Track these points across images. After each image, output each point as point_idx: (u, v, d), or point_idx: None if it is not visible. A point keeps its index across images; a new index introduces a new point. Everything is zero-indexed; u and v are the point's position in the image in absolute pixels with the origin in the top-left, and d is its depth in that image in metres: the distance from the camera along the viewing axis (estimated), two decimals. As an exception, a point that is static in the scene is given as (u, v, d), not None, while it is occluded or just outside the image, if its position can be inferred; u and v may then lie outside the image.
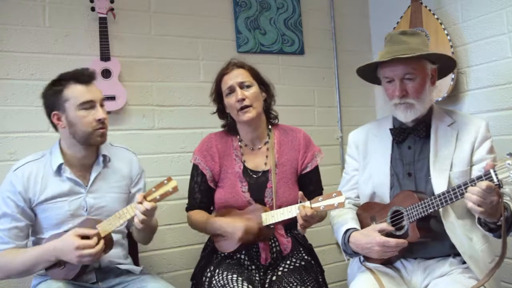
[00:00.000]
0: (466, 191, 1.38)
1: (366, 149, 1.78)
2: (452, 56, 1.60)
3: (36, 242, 1.69)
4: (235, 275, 1.67)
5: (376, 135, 1.78)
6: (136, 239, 1.86)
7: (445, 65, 1.68)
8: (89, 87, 1.66)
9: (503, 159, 1.32)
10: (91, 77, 1.68)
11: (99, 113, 1.65)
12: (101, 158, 1.74)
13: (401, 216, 1.58)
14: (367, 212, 1.71)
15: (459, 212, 1.56)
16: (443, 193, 1.46)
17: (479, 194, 1.32)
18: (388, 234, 1.55)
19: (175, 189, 1.55)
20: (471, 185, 1.36)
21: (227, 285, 1.63)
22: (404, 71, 1.59)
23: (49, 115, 1.69)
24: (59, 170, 1.67)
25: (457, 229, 1.54)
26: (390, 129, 1.71)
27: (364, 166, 1.77)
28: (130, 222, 1.68)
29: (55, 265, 1.59)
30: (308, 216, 1.58)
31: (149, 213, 1.55)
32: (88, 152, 1.71)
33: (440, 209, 1.52)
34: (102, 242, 1.56)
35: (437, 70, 1.67)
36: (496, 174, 1.32)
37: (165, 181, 1.56)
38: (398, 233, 1.57)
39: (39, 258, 1.57)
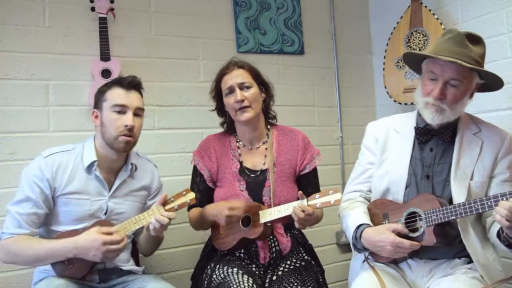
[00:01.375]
0: (496, 204, 1.38)
1: (386, 144, 1.74)
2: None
3: (45, 234, 1.67)
4: (235, 269, 1.68)
5: (398, 132, 1.74)
6: (141, 248, 1.87)
7: (491, 83, 1.61)
8: (128, 92, 1.69)
9: None
10: (131, 84, 1.71)
11: (128, 119, 1.66)
12: (129, 166, 1.76)
13: (415, 218, 1.56)
14: (380, 209, 1.68)
15: (472, 221, 1.57)
16: (469, 202, 1.45)
17: (511, 210, 1.33)
18: (401, 235, 1.54)
19: (192, 201, 1.64)
20: (502, 199, 1.37)
21: (227, 277, 1.63)
22: (453, 76, 1.53)
23: (93, 112, 1.74)
24: (90, 167, 1.68)
25: (472, 237, 1.55)
26: (415, 128, 1.68)
27: (381, 161, 1.73)
28: (136, 231, 1.70)
29: (62, 262, 1.58)
30: (306, 215, 1.59)
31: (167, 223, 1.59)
32: (118, 157, 1.73)
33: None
34: (126, 238, 1.59)
35: (479, 85, 1.61)
36: None
37: (184, 192, 1.64)
38: (412, 234, 1.55)
39: (54, 254, 1.55)
